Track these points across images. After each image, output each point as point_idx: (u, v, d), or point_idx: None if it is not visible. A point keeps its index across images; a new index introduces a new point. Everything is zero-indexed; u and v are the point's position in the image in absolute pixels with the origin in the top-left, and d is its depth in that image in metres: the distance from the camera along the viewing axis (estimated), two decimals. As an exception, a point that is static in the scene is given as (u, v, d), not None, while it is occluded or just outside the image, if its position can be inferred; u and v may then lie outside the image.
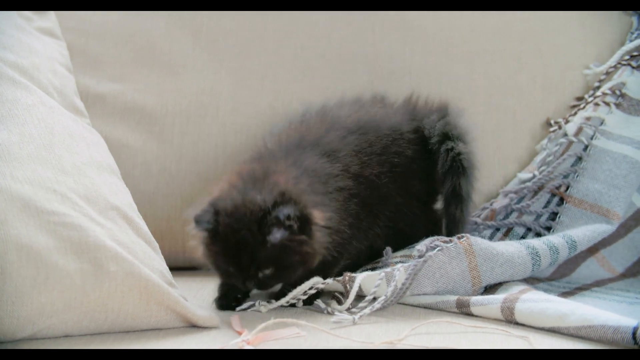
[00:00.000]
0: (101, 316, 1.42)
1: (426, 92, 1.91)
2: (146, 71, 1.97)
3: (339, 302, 1.60)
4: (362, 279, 1.60)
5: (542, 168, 1.91)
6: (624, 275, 1.85)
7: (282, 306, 1.61)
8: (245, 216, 1.55)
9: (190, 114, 1.95)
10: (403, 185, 1.75)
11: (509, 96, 2.00)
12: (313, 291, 1.61)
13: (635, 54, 1.98)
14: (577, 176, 1.88)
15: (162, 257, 1.56)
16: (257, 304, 1.61)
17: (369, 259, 1.73)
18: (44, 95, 1.60)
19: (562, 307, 1.47)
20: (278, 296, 1.63)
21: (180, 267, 1.86)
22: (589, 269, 1.85)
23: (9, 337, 1.37)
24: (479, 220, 1.88)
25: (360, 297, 1.60)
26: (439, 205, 1.82)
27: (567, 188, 1.88)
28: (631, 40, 2.01)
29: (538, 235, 1.85)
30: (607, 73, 1.98)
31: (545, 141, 1.95)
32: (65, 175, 1.48)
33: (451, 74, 2.00)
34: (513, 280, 1.67)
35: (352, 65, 1.99)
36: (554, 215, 1.87)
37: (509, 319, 1.51)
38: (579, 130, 1.92)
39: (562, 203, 1.87)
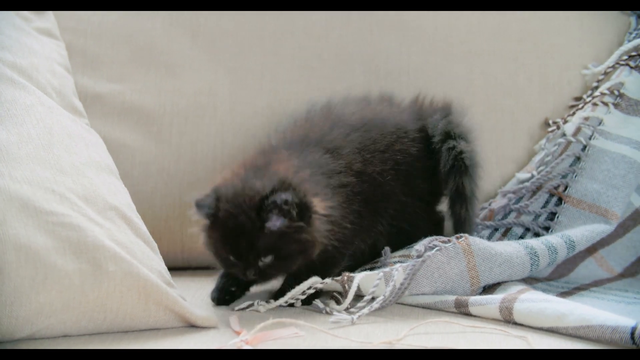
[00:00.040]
0: (100, 316, 1.42)
1: (424, 93, 1.91)
2: (144, 71, 1.97)
3: (338, 302, 1.60)
4: (361, 278, 1.60)
5: (541, 168, 1.91)
6: (622, 275, 1.85)
7: (280, 306, 1.61)
8: (243, 202, 1.55)
9: (189, 114, 1.95)
10: (407, 184, 1.74)
11: (507, 96, 2.00)
12: (312, 291, 1.61)
13: (633, 54, 1.98)
14: (575, 176, 1.88)
15: (161, 257, 1.56)
16: (255, 303, 1.61)
17: (371, 259, 1.73)
18: (42, 96, 1.60)
19: (560, 307, 1.48)
20: (276, 296, 1.63)
21: (178, 267, 1.86)
22: (587, 269, 1.85)
23: (7, 337, 1.37)
24: (477, 220, 1.88)
25: (358, 297, 1.60)
26: (442, 206, 1.82)
27: (566, 188, 1.88)
28: (629, 41, 2.01)
29: (536, 235, 1.85)
30: (606, 73, 1.99)
31: (543, 141, 1.95)
32: (64, 175, 1.48)
33: (449, 74, 2.00)
34: (511, 280, 1.68)
35: (350, 65, 1.99)
36: (552, 215, 1.87)
37: (508, 319, 1.52)
38: (578, 130, 1.92)
39: (561, 203, 1.87)
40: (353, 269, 1.68)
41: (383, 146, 1.73)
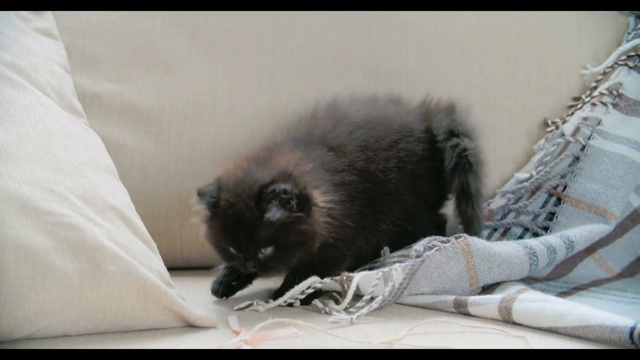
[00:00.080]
0: (99, 316, 1.42)
1: (423, 93, 1.92)
2: (143, 71, 1.97)
3: (337, 302, 1.60)
4: (360, 278, 1.60)
5: (540, 168, 1.91)
6: (621, 275, 1.86)
7: (279, 306, 1.61)
8: (243, 191, 1.56)
9: (188, 114, 1.95)
10: (411, 184, 1.74)
11: (505, 96, 2.00)
12: (310, 290, 1.61)
13: (632, 54, 1.98)
14: (574, 176, 1.88)
15: (160, 257, 1.56)
16: (255, 303, 1.61)
17: (372, 258, 1.73)
18: (41, 96, 1.60)
19: (559, 307, 1.48)
20: (276, 296, 1.63)
21: (177, 267, 1.87)
22: (586, 269, 1.85)
23: (6, 337, 1.37)
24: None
25: (357, 296, 1.60)
26: (445, 210, 1.82)
27: (565, 188, 1.88)
28: (628, 41, 2.01)
29: (535, 235, 1.85)
30: (604, 73, 1.99)
31: (542, 141, 1.95)
32: (63, 175, 1.48)
33: (448, 74, 2.00)
34: (510, 280, 1.68)
35: (349, 65, 1.99)
36: (551, 215, 1.87)
37: (507, 319, 1.52)
38: (577, 130, 1.92)
39: (560, 203, 1.87)
40: (355, 269, 1.68)
41: (386, 144, 1.73)
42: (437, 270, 1.62)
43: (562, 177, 1.89)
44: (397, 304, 1.62)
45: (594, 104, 1.94)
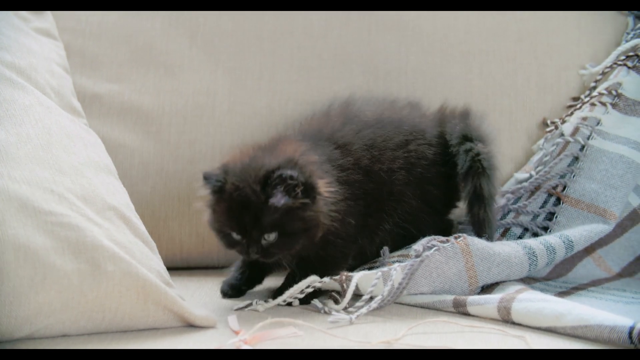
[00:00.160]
0: (99, 316, 1.42)
1: (422, 93, 1.92)
2: (143, 71, 1.97)
3: (336, 302, 1.60)
4: (359, 278, 1.60)
5: (539, 168, 1.91)
6: (620, 275, 1.86)
7: (279, 305, 1.62)
8: (250, 175, 1.56)
9: (187, 114, 1.95)
10: (418, 188, 1.74)
11: (505, 96, 2.00)
12: (310, 290, 1.61)
13: (631, 54, 1.98)
14: (573, 176, 1.88)
15: (160, 256, 1.56)
16: (254, 303, 1.61)
17: (372, 258, 1.73)
18: (41, 96, 1.60)
19: (558, 306, 1.48)
20: (275, 295, 1.63)
21: (177, 267, 1.87)
22: (585, 269, 1.85)
23: (6, 337, 1.38)
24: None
25: (357, 296, 1.60)
26: (455, 213, 1.82)
27: (564, 188, 1.88)
28: (627, 41, 2.01)
29: (535, 235, 1.85)
30: (603, 73, 1.99)
31: (541, 141, 1.95)
32: (63, 175, 1.48)
33: (447, 74, 2.00)
34: (510, 280, 1.68)
35: (348, 65, 1.99)
36: (550, 215, 1.87)
37: (506, 319, 1.52)
38: (576, 130, 1.92)
39: (559, 203, 1.87)
40: (356, 269, 1.69)
41: (394, 144, 1.73)
42: (436, 270, 1.62)
43: (562, 177, 1.89)
44: (396, 303, 1.62)
45: (593, 104, 1.94)
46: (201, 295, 1.68)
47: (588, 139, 1.90)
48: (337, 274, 1.61)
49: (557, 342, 1.42)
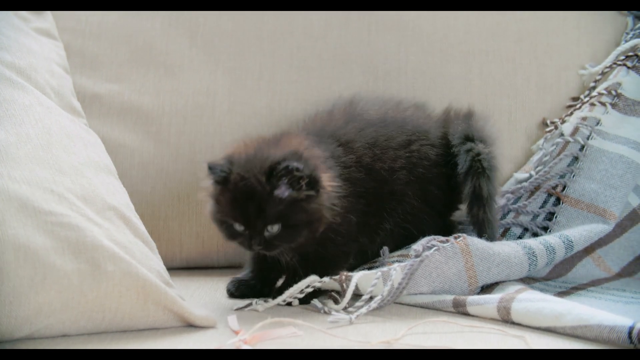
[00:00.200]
0: (99, 316, 1.42)
1: (422, 93, 1.92)
2: (143, 71, 1.97)
3: (336, 302, 1.60)
4: (359, 278, 1.60)
5: (539, 168, 1.92)
6: (619, 275, 1.86)
7: (278, 305, 1.62)
8: (255, 166, 1.57)
9: (187, 114, 1.95)
10: (420, 189, 1.74)
11: (504, 96, 2.01)
12: (310, 289, 1.61)
13: (630, 54, 1.99)
14: (573, 176, 1.88)
15: (160, 257, 1.56)
16: (254, 302, 1.61)
17: (372, 258, 1.73)
18: (41, 96, 1.60)
19: (558, 306, 1.48)
20: (275, 295, 1.63)
21: (177, 267, 1.87)
22: (585, 269, 1.85)
23: (6, 337, 1.37)
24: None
25: (357, 296, 1.60)
26: (457, 214, 1.82)
27: (564, 188, 1.88)
28: (626, 41, 2.01)
29: (535, 235, 1.85)
30: (603, 73, 1.99)
31: (541, 141, 1.95)
32: (63, 175, 1.48)
33: (447, 74, 2.00)
34: (509, 280, 1.68)
35: (348, 65, 2.00)
36: (550, 215, 1.87)
37: (506, 319, 1.52)
38: (575, 130, 1.92)
39: (559, 203, 1.87)
40: (356, 268, 1.69)
41: (397, 144, 1.73)
42: (436, 270, 1.62)
43: (561, 177, 1.89)
44: (396, 303, 1.62)
45: (592, 104, 1.94)
46: (201, 295, 1.68)
47: (588, 139, 1.91)
48: (336, 274, 1.61)
49: (556, 342, 1.42)
